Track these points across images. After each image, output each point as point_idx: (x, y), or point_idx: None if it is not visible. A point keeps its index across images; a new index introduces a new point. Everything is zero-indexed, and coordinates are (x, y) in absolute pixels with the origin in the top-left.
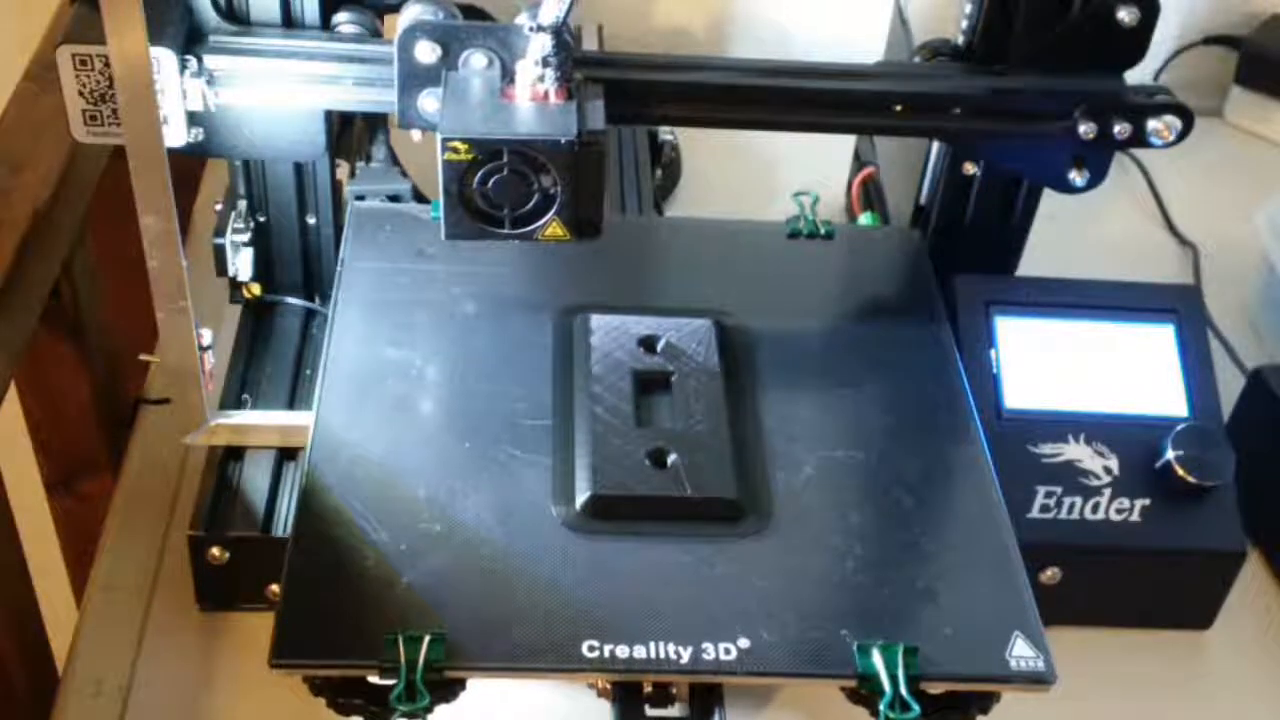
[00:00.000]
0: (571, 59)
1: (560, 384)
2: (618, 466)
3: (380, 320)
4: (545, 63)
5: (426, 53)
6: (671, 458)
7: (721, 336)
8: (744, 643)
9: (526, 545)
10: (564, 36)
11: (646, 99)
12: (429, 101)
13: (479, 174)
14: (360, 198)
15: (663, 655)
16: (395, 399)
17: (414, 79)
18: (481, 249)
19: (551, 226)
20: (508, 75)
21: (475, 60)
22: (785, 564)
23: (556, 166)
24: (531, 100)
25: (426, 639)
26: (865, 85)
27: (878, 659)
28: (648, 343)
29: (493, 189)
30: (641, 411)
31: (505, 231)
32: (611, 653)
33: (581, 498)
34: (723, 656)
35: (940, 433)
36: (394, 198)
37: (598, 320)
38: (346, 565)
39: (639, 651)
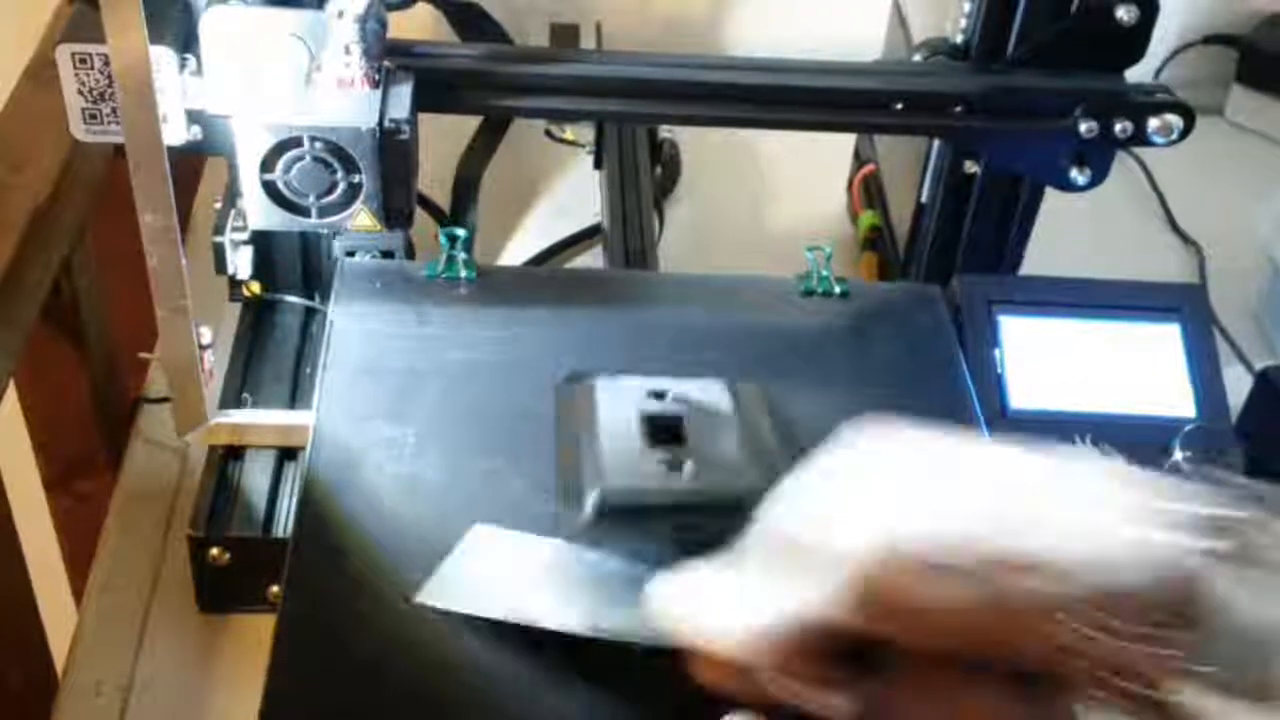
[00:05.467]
0: (380, 47)
1: (562, 462)
2: None
3: (370, 390)
4: (350, 50)
5: (233, 37)
6: None
7: (735, 402)
8: None
9: (525, 652)
10: (370, 24)
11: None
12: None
13: (280, 162)
14: (351, 253)
15: None
16: (387, 479)
17: (222, 65)
18: (479, 313)
19: (360, 216)
20: (315, 62)
21: (284, 46)
22: None
23: (359, 155)
24: (337, 87)
25: None
26: (865, 84)
27: None
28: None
29: (296, 177)
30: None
31: (313, 221)
32: None
33: None
34: None
35: None
36: (387, 254)
37: (604, 384)
38: (335, 661)
39: None
